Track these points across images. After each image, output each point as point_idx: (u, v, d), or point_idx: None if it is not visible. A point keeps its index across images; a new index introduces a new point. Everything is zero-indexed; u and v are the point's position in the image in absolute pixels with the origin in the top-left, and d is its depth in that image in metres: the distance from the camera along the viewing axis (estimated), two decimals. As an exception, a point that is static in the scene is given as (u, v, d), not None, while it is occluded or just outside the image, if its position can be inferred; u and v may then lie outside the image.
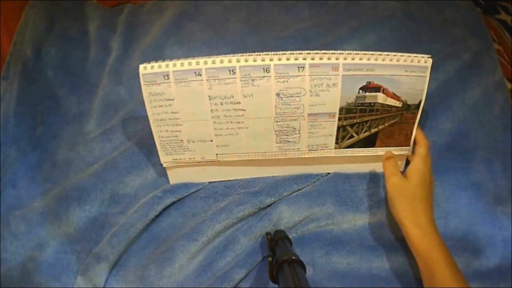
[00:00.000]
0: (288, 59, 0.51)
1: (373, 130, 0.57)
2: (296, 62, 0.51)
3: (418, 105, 0.55)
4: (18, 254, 0.59)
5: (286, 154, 0.59)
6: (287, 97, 0.54)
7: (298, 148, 0.58)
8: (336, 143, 0.58)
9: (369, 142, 0.58)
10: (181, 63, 0.51)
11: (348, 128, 0.57)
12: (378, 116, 0.56)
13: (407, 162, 0.61)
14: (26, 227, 0.60)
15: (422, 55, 0.52)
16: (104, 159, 0.66)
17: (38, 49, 0.75)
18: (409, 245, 0.52)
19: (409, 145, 0.58)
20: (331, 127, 0.56)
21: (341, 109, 0.55)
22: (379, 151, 0.59)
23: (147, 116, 0.55)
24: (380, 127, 0.57)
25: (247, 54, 0.51)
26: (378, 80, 0.53)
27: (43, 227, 0.60)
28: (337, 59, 0.51)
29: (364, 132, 0.57)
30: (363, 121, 0.56)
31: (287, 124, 0.56)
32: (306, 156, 0.59)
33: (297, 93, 0.53)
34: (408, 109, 0.55)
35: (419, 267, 0.51)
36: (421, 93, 0.54)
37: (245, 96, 0.54)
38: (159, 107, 0.54)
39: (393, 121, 0.56)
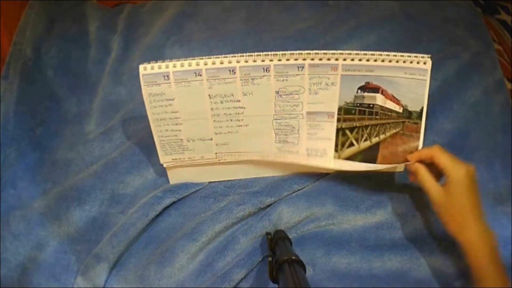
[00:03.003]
0: (288, 60, 0.51)
1: (374, 140, 0.57)
2: (296, 62, 0.51)
3: (420, 113, 0.54)
4: (18, 254, 0.59)
5: (285, 157, 0.59)
6: (286, 94, 0.54)
7: (297, 151, 0.58)
8: (336, 150, 0.58)
9: (370, 156, 0.57)
10: (181, 64, 0.51)
11: (348, 132, 0.56)
12: (378, 121, 0.56)
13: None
14: (26, 227, 0.60)
15: (422, 55, 0.52)
16: (104, 159, 0.66)
17: (38, 49, 0.75)
18: (461, 241, 0.51)
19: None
20: (330, 128, 0.56)
21: (339, 109, 0.55)
22: (380, 167, 0.58)
23: (147, 116, 0.55)
24: (381, 136, 0.56)
25: (247, 54, 0.51)
26: (377, 81, 0.53)
27: (43, 227, 0.60)
28: (336, 59, 0.51)
29: (365, 140, 0.57)
30: (363, 126, 0.56)
31: (286, 122, 0.56)
32: (305, 162, 0.59)
33: (296, 91, 0.54)
34: (410, 117, 0.55)
35: (469, 262, 0.50)
36: (422, 98, 0.53)
37: (245, 94, 0.54)
38: (159, 107, 0.54)
39: (395, 131, 0.56)
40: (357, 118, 0.55)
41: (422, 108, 0.54)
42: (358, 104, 0.54)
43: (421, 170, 0.53)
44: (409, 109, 0.54)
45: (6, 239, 0.59)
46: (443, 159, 0.50)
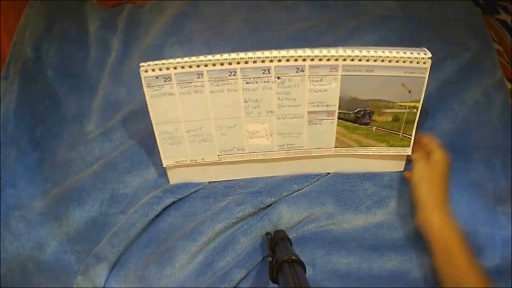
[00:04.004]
0: (288, 61, 0.51)
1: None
2: (296, 63, 0.51)
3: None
4: (18, 254, 0.59)
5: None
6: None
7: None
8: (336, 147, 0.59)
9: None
10: (182, 66, 0.51)
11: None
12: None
13: (408, 162, 0.62)
14: (26, 227, 0.60)
15: (423, 52, 0.52)
16: (104, 159, 0.66)
17: (38, 49, 0.75)
18: (427, 229, 0.53)
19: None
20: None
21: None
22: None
23: (147, 116, 0.55)
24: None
25: (247, 55, 0.51)
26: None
27: (43, 227, 0.60)
28: (336, 60, 0.51)
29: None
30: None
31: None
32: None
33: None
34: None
35: (435, 253, 0.52)
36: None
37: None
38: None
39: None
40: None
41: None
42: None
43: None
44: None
45: (6, 239, 0.59)
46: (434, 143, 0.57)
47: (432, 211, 0.53)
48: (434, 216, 0.53)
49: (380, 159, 0.61)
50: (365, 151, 0.60)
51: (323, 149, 0.59)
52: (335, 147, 0.59)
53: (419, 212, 0.54)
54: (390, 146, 0.59)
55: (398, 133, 0.58)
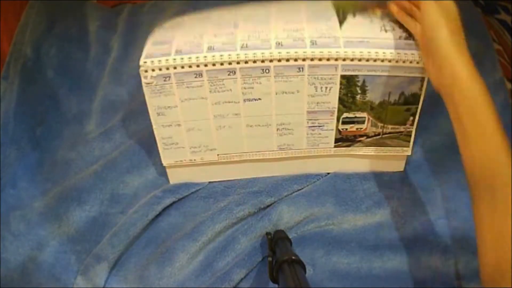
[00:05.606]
0: (287, 60, 0.51)
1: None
2: (296, 63, 0.51)
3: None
4: (18, 254, 0.59)
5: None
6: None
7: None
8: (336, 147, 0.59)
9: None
10: (182, 66, 0.51)
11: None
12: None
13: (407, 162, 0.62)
14: (26, 227, 0.60)
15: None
16: (104, 159, 0.66)
17: (38, 49, 0.75)
18: (447, 78, 0.46)
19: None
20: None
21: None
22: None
23: (147, 116, 0.55)
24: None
25: (247, 56, 0.51)
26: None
27: (43, 227, 0.60)
28: (336, 60, 0.51)
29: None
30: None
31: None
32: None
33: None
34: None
35: (458, 106, 0.46)
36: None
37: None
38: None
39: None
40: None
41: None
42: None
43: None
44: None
45: (6, 239, 0.59)
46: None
47: (455, 57, 0.45)
48: (458, 63, 0.45)
49: (380, 159, 0.61)
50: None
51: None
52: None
53: (437, 60, 0.46)
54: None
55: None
